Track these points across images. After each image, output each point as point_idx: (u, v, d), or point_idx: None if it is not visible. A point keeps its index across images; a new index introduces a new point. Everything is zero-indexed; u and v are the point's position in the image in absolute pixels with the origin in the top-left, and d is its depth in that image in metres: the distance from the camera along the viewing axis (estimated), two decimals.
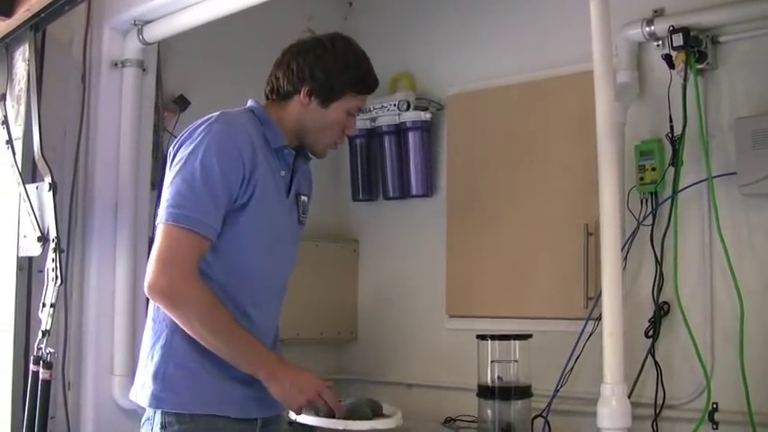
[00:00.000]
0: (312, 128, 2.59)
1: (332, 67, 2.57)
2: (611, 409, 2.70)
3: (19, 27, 3.87)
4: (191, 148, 2.41)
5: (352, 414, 3.48)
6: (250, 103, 2.63)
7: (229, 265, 2.46)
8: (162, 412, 2.44)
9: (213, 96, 4.43)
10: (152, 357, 2.48)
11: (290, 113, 2.60)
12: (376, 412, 3.61)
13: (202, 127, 2.45)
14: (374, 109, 4.70)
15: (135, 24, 4.07)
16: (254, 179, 2.43)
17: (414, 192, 4.68)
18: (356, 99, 2.60)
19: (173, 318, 2.40)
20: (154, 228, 2.45)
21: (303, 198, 2.68)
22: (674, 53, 3.60)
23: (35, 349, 3.62)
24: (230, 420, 2.46)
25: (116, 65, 4.14)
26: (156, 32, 4.06)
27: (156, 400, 2.44)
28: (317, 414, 2.60)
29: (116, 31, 4.14)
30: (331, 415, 3.54)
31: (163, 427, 2.43)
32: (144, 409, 2.51)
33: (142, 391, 2.49)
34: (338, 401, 2.50)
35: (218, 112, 2.51)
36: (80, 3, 3.69)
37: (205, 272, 2.42)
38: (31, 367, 3.62)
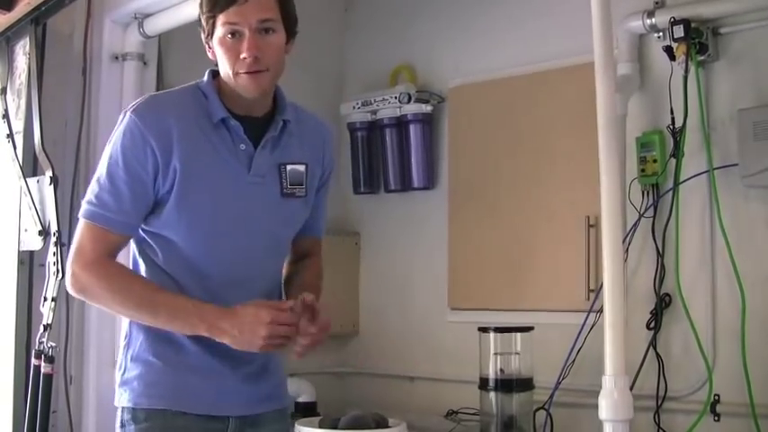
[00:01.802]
0: (225, 75, 2.31)
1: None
2: (613, 401, 2.69)
3: (20, 20, 3.88)
4: (110, 139, 2.32)
5: (354, 425, 3.49)
6: (205, 76, 2.41)
7: (178, 260, 2.32)
8: (120, 409, 2.36)
9: None
10: (120, 352, 2.42)
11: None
12: (380, 425, 3.61)
13: (120, 117, 2.32)
14: (375, 102, 4.69)
15: (135, 17, 4.07)
16: (173, 165, 2.24)
17: (415, 184, 4.68)
18: (221, 19, 2.26)
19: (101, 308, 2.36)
20: None
21: (293, 167, 2.41)
22: (674, 45, 3.59)
23: (37, 343, 3.63)
24: (190, 417, 2.31)
25: (117, 58, 4.14)
26: (156, 25, 4.06)
27: (118, 396, 2.37)
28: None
29: (117, 24, 4.14)
30: (333, 426, 3.56)
31: (122, 426, 2.34)
32: None
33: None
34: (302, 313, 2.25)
35: (142, 97, 2.40)
36: None
37: (165, 270, 2.33)
38: (33, 361, 3.63)
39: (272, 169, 2.38)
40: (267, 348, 2.22)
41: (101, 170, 2.28)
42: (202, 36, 2.35)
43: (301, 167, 2.43)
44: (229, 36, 2.25)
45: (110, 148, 2.28)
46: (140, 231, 2.34)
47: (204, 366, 2.31)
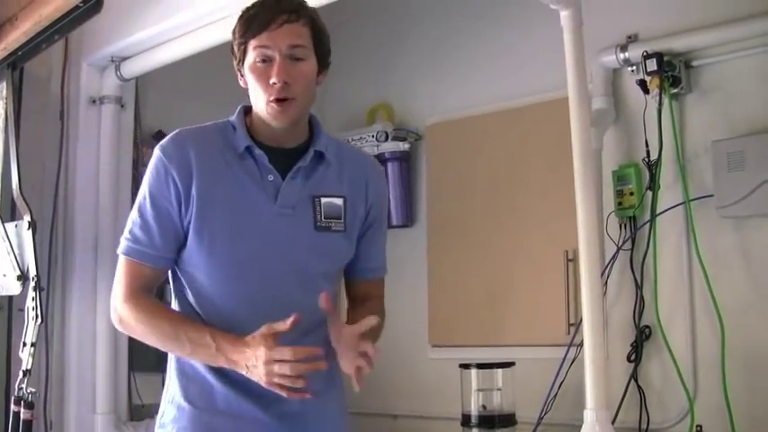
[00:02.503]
0: (254, 102, 2.27)
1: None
2: None
3: None
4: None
5: None
6: (236, 111, 2.38)
7: (205, 297, 2.28)
8: None
9: None
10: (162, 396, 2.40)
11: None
12: None
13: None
14: (353, 140, 4.71)
15: (112, 61, 4.09)
16: (192, 195, 2.22)
17: (394, 222, 4.67)
18: (253, 44, 2.24)
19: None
20: None
21: (328, 200, 2.32)
22: (648, 78, 3.63)
23: (16, 389, 3.59)
24: None
25: (94, 101, 4.16)
26: (133, 68, 4.08)
27: None
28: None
29: (94, 68, 4.16)
30: None
31: None
32: None
33: None
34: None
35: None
36: (57, 41, 3.69)
37: (195, 308, 2.29)
38: (12, 407, 3.58)
39: (303, 201, 2.30)
40: (272, 386, 2.11)
41: (134, 206, 2.31)
42: (234, 63, 2.31)
43: (339, 201, 2.34)
44: (260, 62, 2.22)
45: (142, 183, 2.31)
46: (175, 269, 2.32)
47: (233, 409, 2.27)
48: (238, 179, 2.26)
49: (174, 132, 2.34)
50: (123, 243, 2.30)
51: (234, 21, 2.28)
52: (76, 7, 3.29)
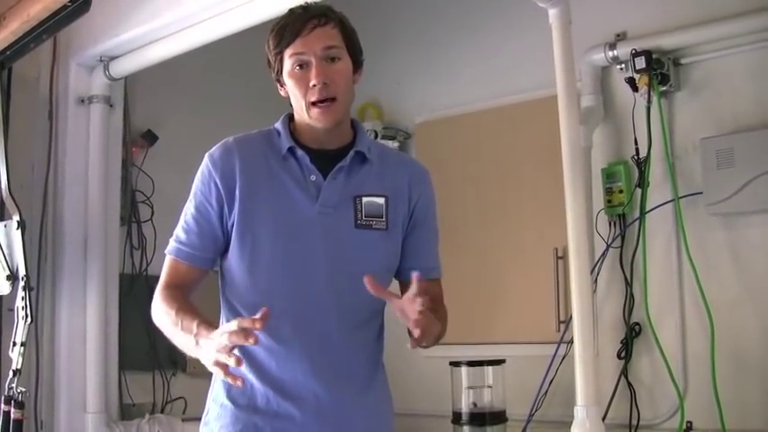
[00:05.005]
0: (297, 107, 2.32)
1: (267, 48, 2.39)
2: None
3: None
4: None
5: None
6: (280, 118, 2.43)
7: (246, 296, 2.31)
8: None
9: (181, 131, 4.44)
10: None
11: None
12: None
13: None
14: None
15: (101, 60, 4.08)
16: (236, 196, 2.28)
17: None
18: (288, 52, 2.28)
19: None
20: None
21: (369, 199, 2.34)
22: (637, 76, 3.64)
23: (6, 389, 3.58)
24: None
25: (83, 101, 4.15)
26: (122, 68, 4.06)
27: None
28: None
29: (82, 67, 4.15)
30: None
31: None
32: None
33: None
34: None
35: None
36: (45, 40, 3.68)
37: (238, 310, 2.31)
38: (3, 407, 3.58)
39: (345, 201, 2.33)
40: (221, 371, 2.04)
41: (183, 208, 2.37)
42: (272, 75, 2.36)
43: (380, 200, 2.37)
44: (297, 67, 2.27)
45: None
46: (221, 271, 2.36)
47: (271, 407, 2.30)
48: (281, 180, 2.30)
49: (224, 141, 2.38)
50: (171, 244, 2.34)
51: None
52: (65, 6, 3.28)
